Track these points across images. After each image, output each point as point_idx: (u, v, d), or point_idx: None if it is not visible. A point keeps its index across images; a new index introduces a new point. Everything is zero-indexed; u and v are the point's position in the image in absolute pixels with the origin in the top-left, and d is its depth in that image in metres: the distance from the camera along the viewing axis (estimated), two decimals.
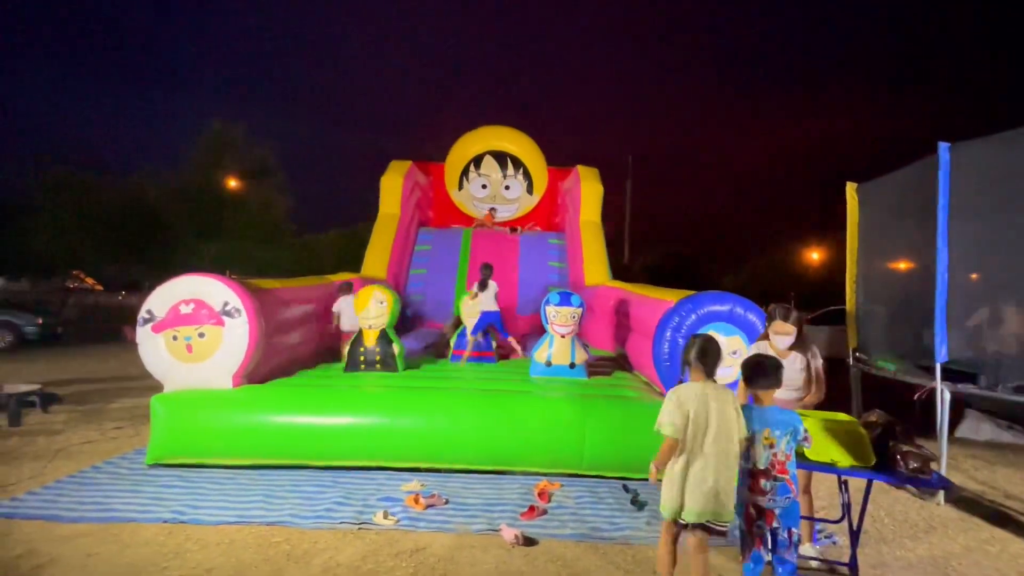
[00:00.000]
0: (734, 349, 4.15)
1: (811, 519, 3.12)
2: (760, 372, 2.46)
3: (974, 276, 4.07)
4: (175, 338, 4.29)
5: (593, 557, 3.00)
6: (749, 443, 2.37)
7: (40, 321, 11.77)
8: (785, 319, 3.04)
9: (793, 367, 3.03)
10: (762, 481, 2.35)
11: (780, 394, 3.11)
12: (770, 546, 2.40)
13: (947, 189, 3.98)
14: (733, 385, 4.06)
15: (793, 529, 2.37)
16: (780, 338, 3.05)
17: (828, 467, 2.61)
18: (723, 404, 2.32)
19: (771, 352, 3.11)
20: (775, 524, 2.35)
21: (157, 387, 4.41)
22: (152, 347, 4.31)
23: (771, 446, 2.34)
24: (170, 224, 17.05)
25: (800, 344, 3.08)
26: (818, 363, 3.11)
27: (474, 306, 5.98)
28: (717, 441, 2.28)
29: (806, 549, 3.01)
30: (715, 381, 2.41)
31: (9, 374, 7.97)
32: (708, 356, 2.38)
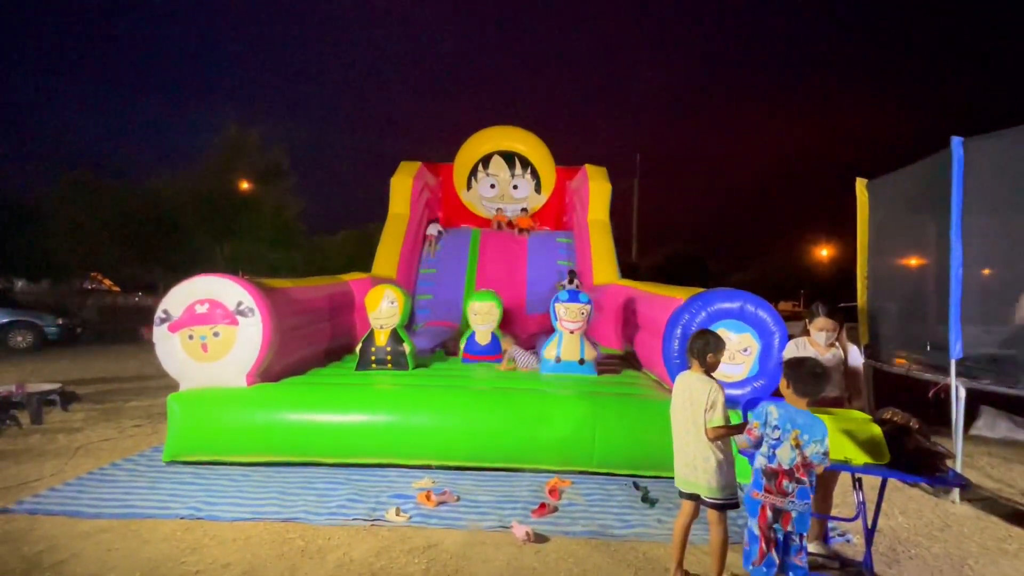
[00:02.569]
0: (745, 346, 4.13)
1: (827, 518, 3.10)
2: (805, 378, 2.37)
3: (986, 271, 4.02)
4: (191, 337, 4.36)
5: (604, 554, 3.01)
6: (776, 441, 2.32)
7: (60, 322, 12.01)
8: (829, 315, 3.07)
9: (830, 364, 3.03)
10: (784, 482, 2.30)
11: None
12: (781, 550, 2.34)
13: (961, 184, 3.93)
14: (748, 381, 4.08)
15: (803, 535, 2.34)
16: (823, 334, 3.08)
17: (842, 465, 2.58)
18: (698, 394, 2.59)
19: (812, 349, 3.12)
20: (790, 528, 2.31)
21: (173, 386, 4.49)
22: (168, 346, 4.39)
23: (798, 447, 2.29)
24: (185, 226, 17.32)
25: (843, 341, 3.10)
26: (857, 363, 3.10)
27: (484, 315, 5.97)
28: (693, 421, 2.60)
29: (814, 547, 2.99)
30: (706, 373, 2.65)
31: (31, 373, 8.16)
32: (706, 350, 2.65)
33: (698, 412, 2.58)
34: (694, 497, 2.64)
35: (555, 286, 8.11)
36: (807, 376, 2.39)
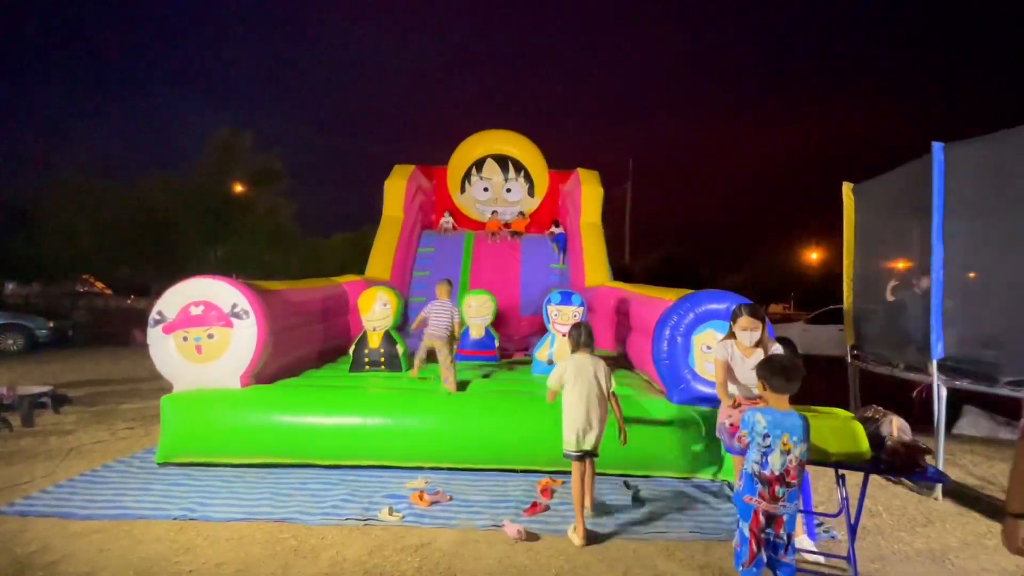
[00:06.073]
0: None
1: (812, 513, 3.16)
2: (781, 374, 2.38)
3: (972, 275, 4.12)
4: (185, 339, 4.38)
5: (593, 552, 3.05)
6: (768, 448, 2.30)
7: (51, 324, 11.92)
8: (752, 315, 3.11)
9: (756, 366, 3.08)
10: (777, 488, 2.29)
11: (744, 392, 3.16)
12: (769, 551, 2.34)
13: (942, 188, 4.03)
14: None
15: (791, 534, 2.35)
16: (747, 334, 3.11)
17: (824, 462, 2.65)
18: (600, 370, 3.30)
19: (738, 351, 3.17)
20: (781, 531, 2.31)
21: (166, 388, 4.49)
22: (162, 348, 4.40)
23: (788, 451, 2.28)
24: (178, 228, 17.21)
25: (764, 343, 3.14)
26: None
27: (478, 308, 6.08)
28: (591, 392, 3.23)
29: (801, 541, 3.04)
30: (592, 354, 3.38)
31: (21, 376, 8.10)
32: (584, 338, 3.36)
33: (602, 384, 3.28)
34: (583, 455, 3.22)
35: (547, 233, 9.64)
36: (776, 372, 2.38)
